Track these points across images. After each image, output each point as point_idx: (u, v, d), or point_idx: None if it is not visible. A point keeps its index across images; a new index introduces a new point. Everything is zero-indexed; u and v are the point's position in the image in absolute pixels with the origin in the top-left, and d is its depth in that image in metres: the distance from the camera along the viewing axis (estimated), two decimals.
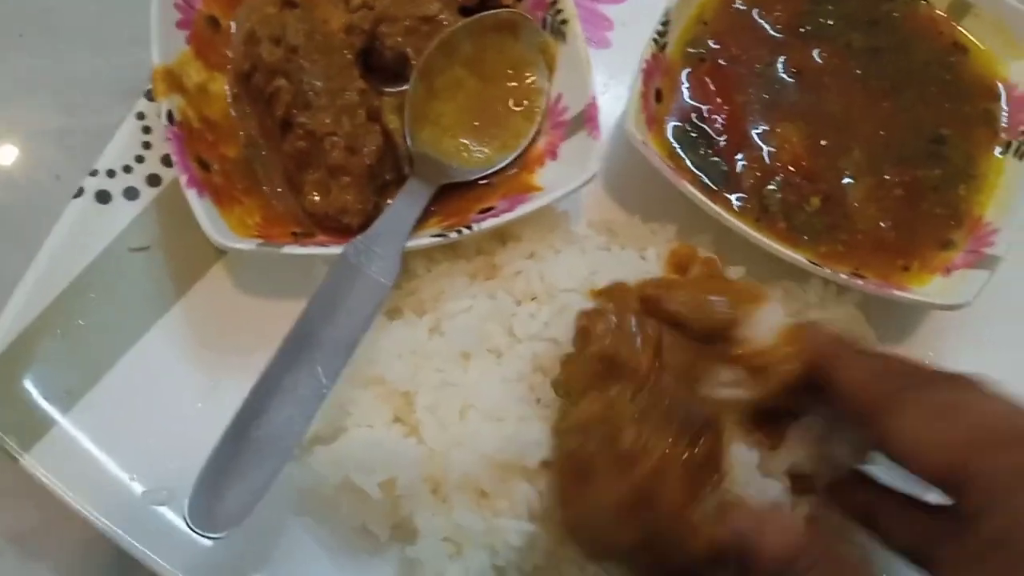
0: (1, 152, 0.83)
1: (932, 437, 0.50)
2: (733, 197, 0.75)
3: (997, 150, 0.78)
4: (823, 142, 0.78)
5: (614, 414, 0.58)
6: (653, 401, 0.57)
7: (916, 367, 0.57)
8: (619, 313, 0.61)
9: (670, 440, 0.56)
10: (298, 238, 0.70)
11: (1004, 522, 0.47)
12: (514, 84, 0.77)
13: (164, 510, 0.66)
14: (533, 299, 0.71)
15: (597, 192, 0.82)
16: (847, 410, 0.55)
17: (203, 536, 0.54)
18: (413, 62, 0.75)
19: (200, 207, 0.66)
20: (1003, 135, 0.79)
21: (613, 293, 0.65)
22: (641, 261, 0.72)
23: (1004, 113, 0.80)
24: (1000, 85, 0.81)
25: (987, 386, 0.52)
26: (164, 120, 0.68)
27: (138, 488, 0.66)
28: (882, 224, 0.75)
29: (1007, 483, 0.47)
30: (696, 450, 0.57)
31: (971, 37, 0.82)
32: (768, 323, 0.59)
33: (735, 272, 0.73)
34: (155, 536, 0.64)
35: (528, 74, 0.77)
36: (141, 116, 0.75)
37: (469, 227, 0.69)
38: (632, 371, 0.58)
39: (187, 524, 0.54)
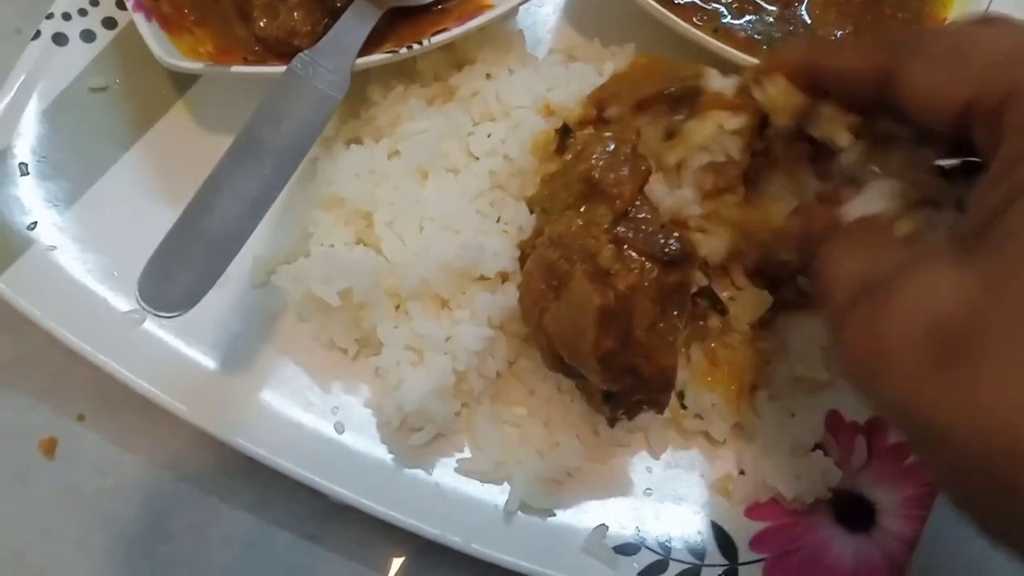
0: None
1: (942, 77, 0.44)
2: (690, 7, 0.74)
3: None
4: None
5: (596, 232, 0.59)
6: (635, 226, 0.59)
7: (913, 31, 0.52)
8: (618, 140, 0.62)
9: (646, 264, 0.58)
10: (250, 64, 0.70)
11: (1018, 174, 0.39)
12: None
13: (140, 330, 0.68)
14: (492, 120, 0.71)
15: (560, 23, 0.82)
16: (855, 96, 0.51)
17: (154, 314, 0.55)
18: None
19: (148, 30, 0.67)
20: None
21: (609, 137, 0.64)
22: (598, 77, 0.72)
23: None
24: None
25: (998, 21, 0.46)
26: None
27: (111, 309, 0.68)
28: (841, 31, 0.74)
29: (1017, 127, 0.40)
30: (671, 278, 0.59)
31: None
32: (720, 82, 0.61)
33: None
34: (131, 353, 0.66)
35: None
36: None
37: (420, 43, 0.69)
38: (615, 197, 0.59)
39: (138, 302, 0.55)
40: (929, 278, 0.39)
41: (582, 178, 0.61)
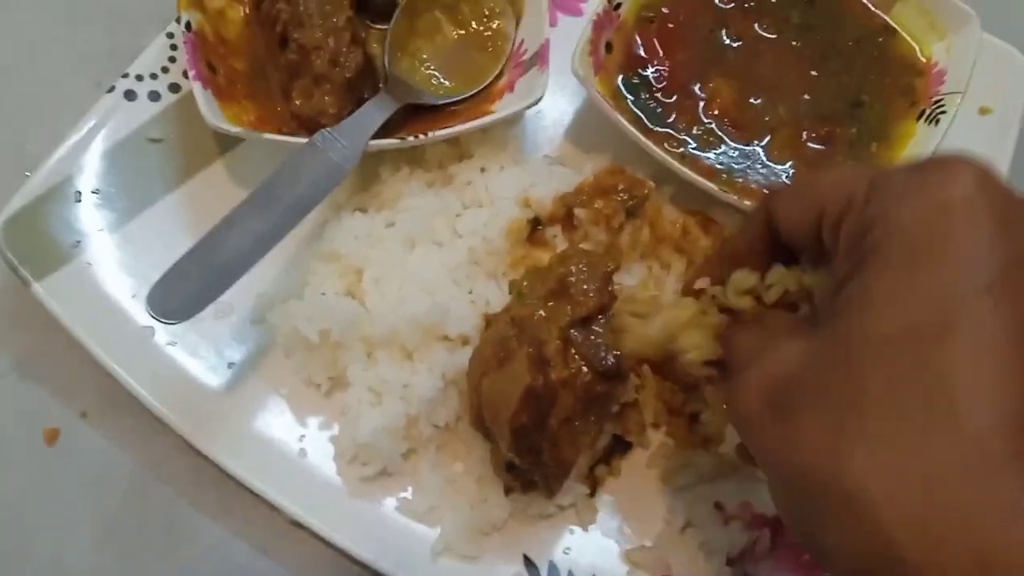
0: (55, 65, 0.98)
1: (797, 206, 0.52)
2: (665, 135, 0.85)
3: (912, 117, 0.87)
4: (753, 100, 0.88)
5: (551, 326, 0.68)
6: (585, 335, 0.68)
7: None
8: (590, 266, 0.71)
9: (583, 368, 0.67)
10: (283, 134, 0.82)
11: (848, 265, 0.46)
12: (484, 29, 0.90)
13: (149, 344, 0.78)
14: (479, 206, 0.83)
15: (555, 134, 0.93)
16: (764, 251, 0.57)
17: (155, 318, 0.65)
18: (399, 2, 0.88)
19: (202, 97, 0.80)
20: (919, 104, 0.87)
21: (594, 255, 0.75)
22: (575, 176, 0.83)
23: (923, 86, 0.89)
24: (922, 62, 0.90)
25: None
26: (183, 28, 0.82)
27: (128, 323, 0.78)
28: (795, 171, 0.85)
29: (849, 234, 0.46)
30: (599, 388, 0.68)
31: (900, 20, 0.92)
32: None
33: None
34: (136, 363, 0.76)
35: (497, 21, 0.90)
36: (170, 35, 0.89)
37: (426, 134, 0.81)
38: (579, 304, 0.69)
39: (146, 308, 0.65)
40: (778, 350, 0.48)
41: (559, 279, 0.70)
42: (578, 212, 0.79)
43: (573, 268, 0.70)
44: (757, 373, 0.48)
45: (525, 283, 0.74)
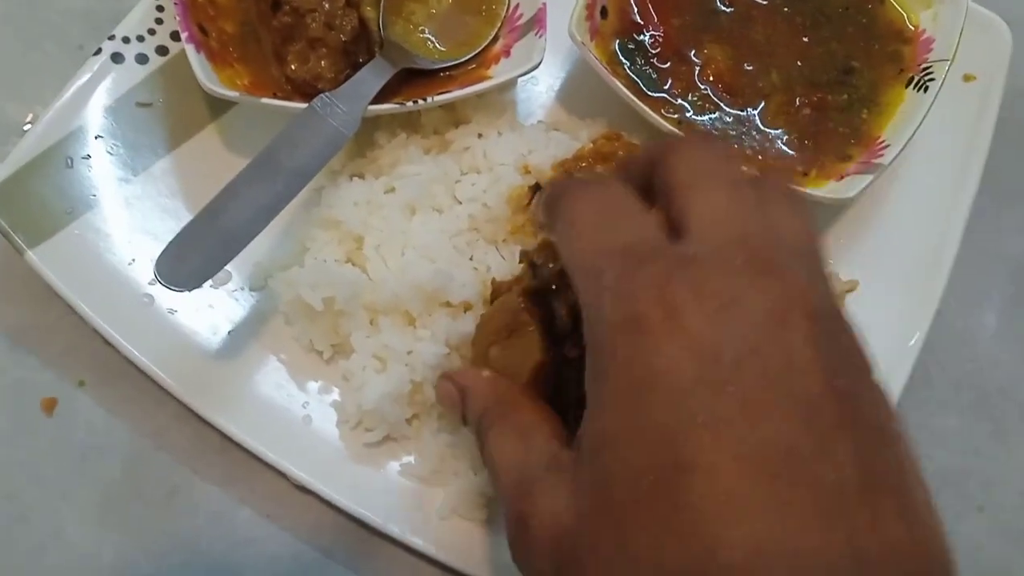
0: (30, 27, 0.95)
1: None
2: (661, 101, 0.86)
3: (901, 84, 0.89)
4: (746, 66, 0.89)
5: (563, 303, 0.68)
6: None
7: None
8: None
9: None
10: (278, 99, 0.81)
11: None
12: None
13: (148, 312, 0.77)
14: (477, 172, 0.82)
15: (550, 100, 0.93)
16: None
17: (166, 287, 0.65)
18: None
19: (196, 60, 0.78)
20: (907, 71, 0.89)
21: None
22: (573, 142, 0.83)
23: (910, 53, 0.90)
24: (910, 29, 0.91)
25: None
26: None
27: (125, 290, 0.77)
28: (788, 136, 0.86)
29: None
30: None
31: None
32: None
33: None
34: (136, 331, 0.76)
35: None
36: None
37: (425, 99, 0.80)
38: None
39: (155, 276, 0.65)
40: (554, 495, 0.46)
41: None
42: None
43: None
44: (540, 525, 0.46)
45: (538, 258, 0.75)
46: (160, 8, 0.87)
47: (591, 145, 0.82)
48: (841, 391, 0.41)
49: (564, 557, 0.44)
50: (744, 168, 0.51)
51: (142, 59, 0.86)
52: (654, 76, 0.87)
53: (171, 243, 0.67)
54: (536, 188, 0.78)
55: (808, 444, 0.39)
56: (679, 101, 0.86)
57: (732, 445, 0.39)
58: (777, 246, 0.45)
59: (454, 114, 0.85)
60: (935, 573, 0.39)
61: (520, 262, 0.74)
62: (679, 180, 0.49)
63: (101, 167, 0.82)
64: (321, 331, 0.77)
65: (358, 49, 0.84)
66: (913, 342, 0.80)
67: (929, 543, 0.40)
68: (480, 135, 0.84)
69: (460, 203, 0.80)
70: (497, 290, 0.76)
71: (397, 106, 0.80)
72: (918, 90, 0.87)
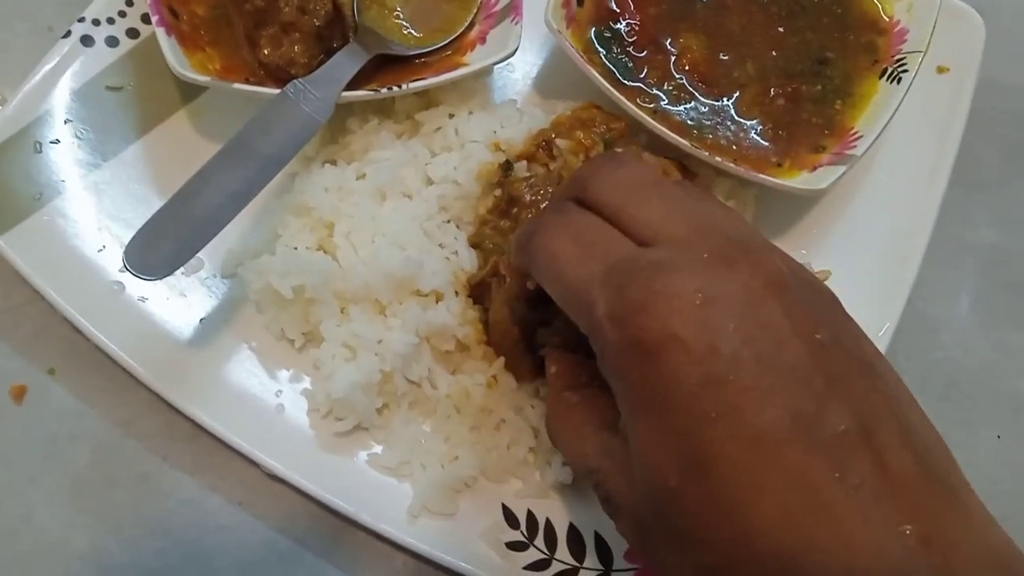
0: (3, 5, 0.93)
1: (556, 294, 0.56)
2: (636, 90, 0.86)
3: (875, 75, 0.89)
4: (722, 56, 0.89)
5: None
6: None
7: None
8: (540, 181, 0.77)
9: None
10: (251, 84, 0.80)
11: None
12: None
13: (119, 300, 0.77)
14: (449, 151, 0.82)
15: (526, 87, 0.93)
16: None
17: (136, 276, 0.64)
18: None
19: (166, 44, 0.77)
20: (881, 63, 0.89)
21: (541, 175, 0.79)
22: (547, 116, 0.83)
23: (884, 44, 0.90)
24: (884, 20, 0.91)
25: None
26: None
27: (95, 278, 0.77)
28: (763, 127, 0.86)
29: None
30: None
31: None
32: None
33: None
34: (106, 319, 0.75)
35: None
36: None
37: (399, 86, 0.80)
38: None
39: (124, 264, 0.64)
40: (616, 480, 0.53)
41: (510, 196, 0.76)
42: (559, 143, 0.79)
43: (525, 186, 0.76)
44: (615, 505, 0.53)
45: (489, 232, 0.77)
46: None
47: (568, 113, 0.82)
48: (824, 344, 0.46)
49: (639, 526, 0.51)
50: (661, 172, 0.55)
51: (112, 42, 0.85)
52: (630, 65, 0.87)
53: (141, 230, 0.66)
54: (506, 166, 0.78)
55: (809, 408, 0.43)
56: (654, 91, 0.86)
57: (744, 431, 0.43)
58: (727, 235, 0.50)
59: (426, 98, 0.85)
60: (944, 496, 0.43)
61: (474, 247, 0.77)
62: (612, 202, 0.54)
63: (70, 152, 0.81)
64: (292, 319, 0.77)
65: (332, 34, 0.83)
66: (883, 332, 0.81)
67: (935, 465, 0.44)
68: (451, 115, 0.83)
69: (431, 184, 0.80)
70: (473, 285, 0.77)
71: (372, 93, 0.79)
72: (891, 81, 0.87)
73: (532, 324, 0.72)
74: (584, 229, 0.54)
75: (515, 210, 0.76)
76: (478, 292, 0.77)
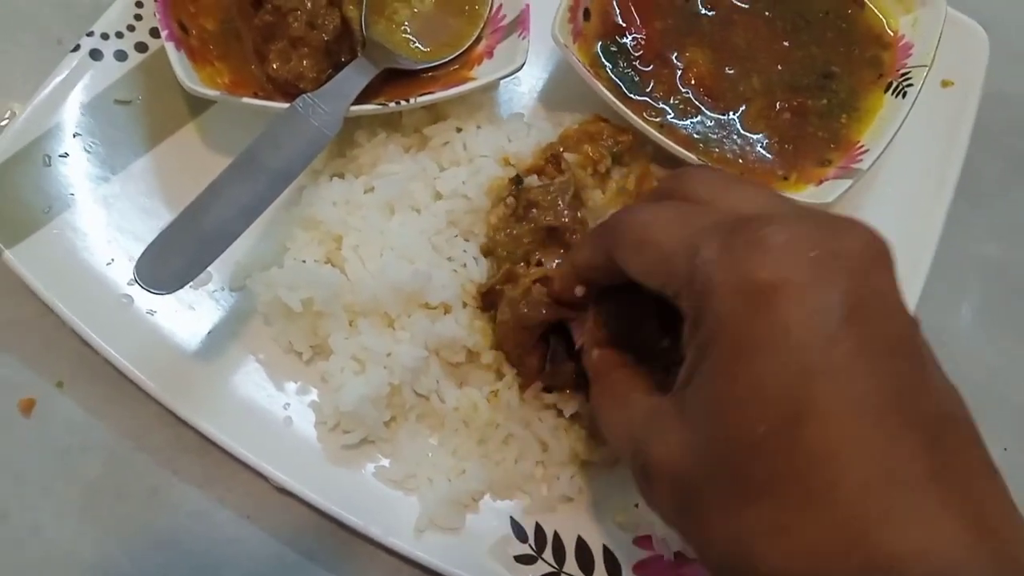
0: (8, 16, 0.94)
1: (638, 264, 0.54)
2: (643, 104, 0.86)
3: (880, 89, 0.89)
4: (728, 70, 0.89)
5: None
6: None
7: (615, 215, 0.60)
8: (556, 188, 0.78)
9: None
10: (259, 98, 0.81)
11: (694, 350, 0.48)
12: None
13: (127, 312, 0.77)
14: (457, 165, 0.82)
15: (533, 101, 0.93)
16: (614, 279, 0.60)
17: (146, 290, 0.65)
18: None
19: (176, 58, 0.78)
20: (886, 77, 0.90)
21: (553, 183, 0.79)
22: (555, 129, 0.84)
23: (889, 58, 0.91)
24: (889, 34, 0.92)
25: (672, 206, 0.54)
26: None
27: (104, 291, 0.77)
28: (769, 141, 0.87)
29: (707, 278, 0.47)
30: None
31: None
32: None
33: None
34: (114, 331, 0.75)
35: None
36: None
37: (407, 100, 0.80)
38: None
39: (134, 278, 0.64)
40: (665, 440, 0.50)
41: (526, 202, 0.76)
42: (567, 156, 0.80)
43: (538, 192, 0.76)
44: (658, 469, 0.50)
45: (504, 241, 0.77)
46: (140, 4, 0.87)
47: (576, 127, 0.82)
48: (916, 322, 0.46)
49: (683, 493, 0.48)
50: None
51: (121, 56, 0.85)
52: (636, 79, 0.87)
53: (151, 245, 0.66)
54: (517, 180, 0.79)
55: (912, 383, 0.43)
56: (661, 104, 0.86)
57: (847, 392, 0.42)
58: (828, 212, 0.50)
59: (433, 111, 0.85)
60: (1007, 494, 0.44)
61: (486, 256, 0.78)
62: (707, 191, 0.53)
63: (79, 165, 0.81)
64: (300, 332, 0.77)
65: (340, 49, 0.84)
66: None
67: (991, 463, 0.45)
68: (459, 129, 0.84)
69: (440, 198, 0.80)
70: (483, 293, 0.77)
71: (380, 107, 0.80)
72: (897, 96, 0.88)
73: (540, 326, 0.73)
74: (681, 207, 0.53)
75: (533, 211, 0.76)
76: (488, 300, 0.78)
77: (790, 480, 0.42)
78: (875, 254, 0.46)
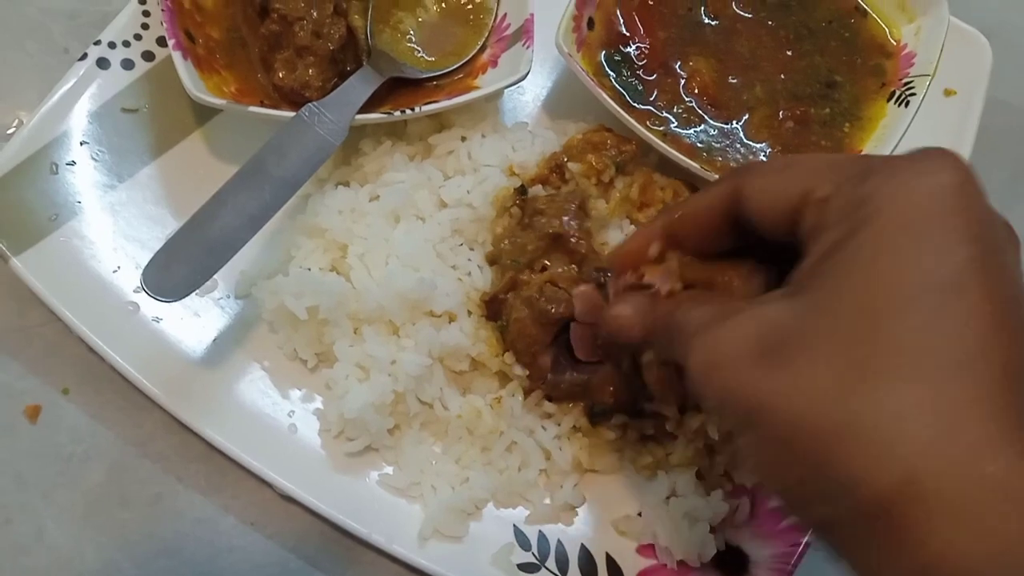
0: (15, 25, 0.94)
1: (779, 181, 0.52)
2: (646, 113, 0.87)
3: (883, 98, 0.90)
4: (731, 79, 0.89)
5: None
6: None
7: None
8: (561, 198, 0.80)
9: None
10: (265, 107, 0.81)
11: (836, 235, 0.47)
12: (466, 2, 0.90)
13: (133, 320, 0.77)
14: (463, 175, 0.83)
15: (537, 110, 0.94)
16: (709, 234, 0.59)
17: (153, 298, 0.65)
18: None
19: (183, 67, 0.78)
20: (889, 86, 0.90)
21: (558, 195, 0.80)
22: (559, 138, 0.85)
23: (892, 67, 0.91)
24: (892, 43, 0.92)
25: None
26: None
27: (110, 298, 0.77)
28: (772, 150, 0.87)
29: (840, 208, 0.47)
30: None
31: (871, 1, 0.94)
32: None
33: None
34: (120, 339, 0.76)
35: None
36: (142, 1, 0.87)
37: (412, 108, 0.80)
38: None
39: (141, 286, 0.65)
40: (761, 309, 0.48)
41: (532, 212, 0.76)
42: (571, 166, 0.80)
43: (545, 200, 0.77)
44: (741, 323, 0.48)
45: (510, 249, 0.77)
46: (147, 13, 0.87)
47: (580, 136, 0.83)
48: None
49: (773, 347, 0.46)
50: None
51: (128, 64, 0.86)
52: (640, 88, 0.87)
53: (158, 253, 0.67)
54: (522, 189, 0.79)
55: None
56: (664, 113, 0.87)
57: (1001, 292, 0.43)
58: None
59: (438, 120, 0.86)
60: None
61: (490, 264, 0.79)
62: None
63: (86, 173, 0.82)
64: (305, 339, 0.77)
65: (346, 58, 0.84)
66: None
67: None
68: (464, 138, 0.84)
69: (444, 207, 0.81)
70: (488, 301, 0.77)
71: (385, 115, 0.80)
72: (899, 105, 0.88)
73: (556, 324, 0.74)
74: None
75: (538, 219, 0.76)
76: (492, 309, 0.78)
77: (934, 340, 0.42)
78: (1004, 237, 0.47)
